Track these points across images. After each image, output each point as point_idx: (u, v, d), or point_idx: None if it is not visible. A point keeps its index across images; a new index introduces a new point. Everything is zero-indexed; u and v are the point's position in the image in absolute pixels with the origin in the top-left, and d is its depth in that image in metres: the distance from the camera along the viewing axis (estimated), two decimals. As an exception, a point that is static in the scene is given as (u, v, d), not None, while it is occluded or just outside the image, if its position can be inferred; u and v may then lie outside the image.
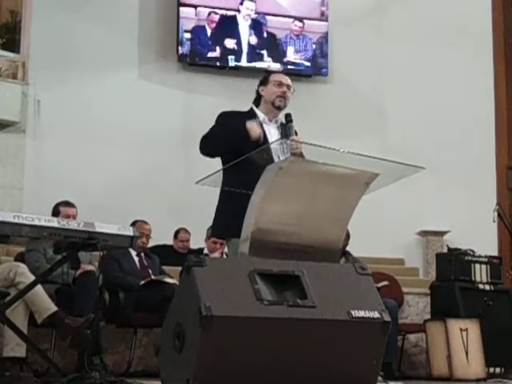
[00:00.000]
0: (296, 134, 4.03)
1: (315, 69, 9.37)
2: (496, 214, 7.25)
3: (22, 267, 4.66)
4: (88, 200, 6.93)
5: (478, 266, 6.43)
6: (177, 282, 5.39)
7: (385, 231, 8.63)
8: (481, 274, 6.42)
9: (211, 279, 3.03)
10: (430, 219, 9.04)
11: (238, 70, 9.03)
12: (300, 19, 9.38)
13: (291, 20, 9.37)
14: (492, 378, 5.94)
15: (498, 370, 6.12)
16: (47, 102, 8.31)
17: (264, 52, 9.21)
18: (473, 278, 6.39)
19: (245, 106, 4.25)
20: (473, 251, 6.51)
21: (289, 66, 9.18)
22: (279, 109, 4.18)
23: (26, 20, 8.55)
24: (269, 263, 3.21)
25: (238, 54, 9.11)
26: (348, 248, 6.27)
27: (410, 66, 9.31)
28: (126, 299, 5.63)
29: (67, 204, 5.52)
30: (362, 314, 3.13)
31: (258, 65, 9.08)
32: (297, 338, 3.04)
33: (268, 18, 9.30)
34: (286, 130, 4.05)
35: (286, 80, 4.23)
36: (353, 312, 3.12)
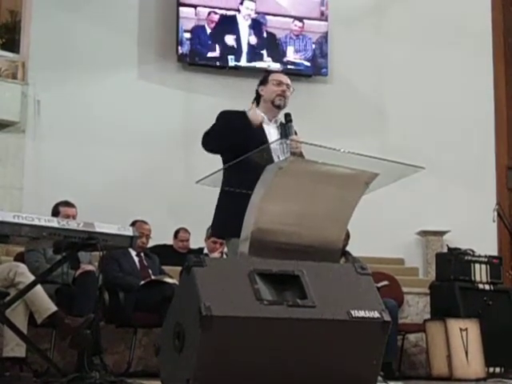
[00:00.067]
0: (296, 133, 4.03)
1: (315, 69, 9.37)
2: (496, 213, 7.26)
3: (22, 267, 4.66)
4: (88, 200, 6.93)
5: (477, 265, 6.43)
6: (177, 282, 5.39)
7: (385, 231, 8.63)
8: (480, 273, 6.42)
9: (211, 279, 3.03)
10: (430, 219, 9.04)
11: (237, 70, 9.04)
12: (300, 19, 9.38)
13: (291, 20, 9.37)
14: (492, 378, 5.94)
15: (497, 369, 6.12)
16: (47, 102, 8.31)
17: (264, 52, 9.22)
18: (473, 278, 6.39)
19: (244, 105, 4.25)
20: (472, 251, 6.51)
21: (288, 66, 9.18)
22: (279, 108, 4.18)
23: (25, 20, 8.55)
24: (269, 263, 3.21)
25: (237, 53, 9.11)
26: (348, 248, 6.27)
27: (409, 66, 9.31)
28: (126, 299, 5.63)
29: (67, 204, 5.52)
30: (361, 313, 3.13)
31: (257, 65, 9.09)
32: (297, 338, 3.04)
33: (268, 17, 9.30)
34: (285, 129, 4.05)
35: (286, 79, 4.23)
36: (353, 312, 3.12)
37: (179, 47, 8.94)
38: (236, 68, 9.07)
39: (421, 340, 6.69)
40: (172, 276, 5.90)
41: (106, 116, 8.45)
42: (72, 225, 3.82)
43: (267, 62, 9.16)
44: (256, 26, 9.23)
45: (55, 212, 5.41)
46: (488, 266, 6.48)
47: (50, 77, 8.28)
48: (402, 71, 9.30)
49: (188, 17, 9.01)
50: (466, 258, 6.42)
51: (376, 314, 3.15)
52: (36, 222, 3.69)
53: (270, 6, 9.35)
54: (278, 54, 9.28)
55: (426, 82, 9.25)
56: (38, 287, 4.52)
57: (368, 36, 9.38)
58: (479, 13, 9.58)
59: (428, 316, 6.53)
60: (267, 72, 4.40)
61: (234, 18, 9.17)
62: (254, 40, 9.20)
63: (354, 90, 9.28)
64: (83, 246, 3.88)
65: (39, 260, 5.17)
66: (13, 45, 8.67)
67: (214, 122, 4.18)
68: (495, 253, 8.18)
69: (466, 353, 5.93)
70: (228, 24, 9.14)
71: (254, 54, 9.17)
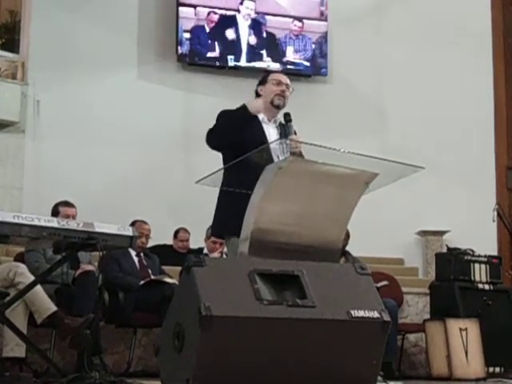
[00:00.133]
0: (295, 133, 4.02)
1: (314, 69, 9.38)
2: (495, 213, 7.26)
3: (22, 267, 4.66)
4: (87, 200, 6.93)
5: (477, 265, 6.43)
6: (176, 282, 5.39)
7: (384, 231, 8.63)
8: (480, 273, 6.42)
9: (211, 279, 3.03)
10: (430, 219, 9.05)
11: (237, 70, 9.04)
12: (299, 19, 9.38)
13: (291, 20, 9.37)
14: (491, 378, 5.94)
15: (497, 369, 6.12)
16: (47, 102, 8.31)
17: (263, 52, 9.22)
18: (472, 278, 6.39)
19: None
20: (472, 251, 6.51)
21: (288, 66, 9.18)
22: (278, 107, 4.18)
23: (25, 20, 8.55)
24: (268, 263, 3.21)
25: (237, 53, 9.11)
26: (348, 248, 6.27)
27: (409, 66, 9.31)
28: (126, 299, 5.63)
29: (67, 204, 5.52)
30: (361, 313, 3.13)
31: (257, 65, 9.09)
32: (296, 338, 3.04)
33: (267, 17, 9.31)
34: (285, 129, 4.05)
35: (285, 79, 4.23)
36: (352, 312, 3.12)
37: (179, 47, 8.94)
38: (236, 68, 9.08)
39: (420, 340, 6.70)
40: (172, 276, 5.90)
41: (106, 116, 8.46)
42: (72, 225, 3.82)
43: (267, 62, 9.16)
44: (256, 25, 9.24)
45: (55, 212, 5.41)
46: (488, 266, 6.48)
47: (49, 77, 8.29)
48: (402, 71, 9.30)
49: (188, 17, 9.02)
50: (465, 257, 6.42)
51: (376, 314, 3.16)
52: (36, 222, 3.69)
53: (269, 6, 9.35)
54: (277, 54, 9.28)
55: (426, 82, 9.25)
56: (38, 287, 4.52)
57: (368, 36, 9.38)
58: (479, 13, 9.58)
59: (428, 316, 6.53)
60: (267, 72, 4.41)
61: (233, 17, 9.17)
62: (253, 40, 9.20)
63: (353, 90, 9.28)
64: (83, 246, 3.88)
65: (39, 260, 5.17)
66: (12, 45, 8.67)
67: (213, 121, 4.18)
68: (495, 253, 8.17)
69: (466, 353, 5.94)
70: (227, 24, 9.14)
71: (254, 54, 9.17)
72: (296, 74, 8.99)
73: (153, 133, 8.51)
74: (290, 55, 9.31)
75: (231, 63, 9.08)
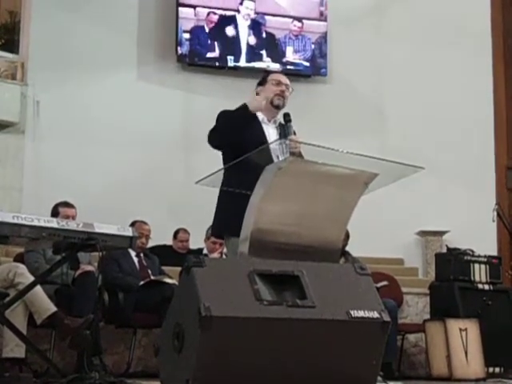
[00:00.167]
0: (295, 133, 4.02)
1: (314, 69, 9.38)
2: (495, 213, 7.26)
3: (22, 268, 4.66)
4: (87, 201, 6.93)
5: (477, 265, 6.43)
6: (176, 283, 5.39)
7: (384, 231, 8.63)
8: (480, 273, 6.42)
9: (211, 280, 3.03)
10: (430, 219, 9.04)
11: (237, 70, 9.04)
12: (299, 19, 9.38)
13: (290, 20, 9.37)
14: (491, 378, 5.94)
15: (497, 369, 6.12)
16: (46, 103, 8.31)
17: (263, 52, 9.22)
18: (472, 278, 6.39)
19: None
20: (472, 251, 6.51)
21: (288, 66, 9.18)
22: (278, 108, 4.18)
23: (25, 21, 8.55)
24: (268, 263, 3.21)
25: (237, 54, 9.11)
26: (347, 248, 6.27)
27: (409, 66, 9.31)
28: (126, 300, 5.63)
29: (66, 205, 5.52)
30: (361, 314, 3.13)
31: (257, 65, 9.09)
32: (296, 339, 3.04)
33: (267, 18, 9.31)
34: (284, 129, 4.05)
35: (285, 79, 4.24)
36: (352, 312, 3.11)
37: (178, 48, 8.94)
38: (235, 68, 9.08)
39: (420, 340, 6.69)
40: (171, 276, 5.90)
41: (106, 116, 8.45)
42: (71, 225, 3.83)
43: (266, 63, 9.16)
44: (255, 26, 9.24)
45: (55, 213, 5.41)
46: (487, 266, 6.47)
47: (49, 77, 8.28)
48: (402, 71, 9.30)
49: (187, 17, 9.02)
50: (465, 258, 6.42)
51: (375, 315, 3.15)
52: (35, 223, 3.69)
53: (269, 7, 9.36)
54: (277, 54, 9.28)
55: (426, 82, 9.25)
56: (38, 288, 4.52)
57: (367, 36, 9.38)
58: (479, 13, 9.58)
59: (427, 316, 6.53)
60: (266, 72, 4.41)
61: (233, 18, 9.17)
62: (253, 40, 9.20)
63: (353, 90, 9.28)
64: (83, 247, 3.89)
65: (39, 261, 5.18)
66: (12, 45, 8.67)
67: (213, 122, 4.18)
68: (495, 253, 8.17)
69: (466, 353, 5.93)
70: (227, 24, 9.14)
71: (254, 54, 9.18)
72: (295, 74, 8.99)
73: (152, 133, 8.51)
74: (290, 55, 9.31)
75: (231, 63, 9.08)
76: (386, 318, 3.17)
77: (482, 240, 7.87)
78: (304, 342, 3.05)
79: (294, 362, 3.06)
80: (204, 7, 9.10)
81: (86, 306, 4.83)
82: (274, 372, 3.04)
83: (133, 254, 6.02)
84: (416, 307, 6.98)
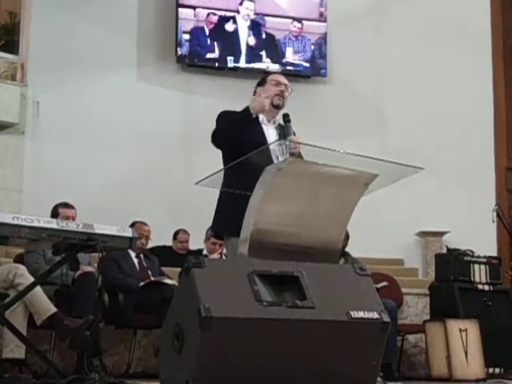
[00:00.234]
0: (294, 134, 4.03)
1: (314, 70, 9.38)
2: (495, 214, 7.26)
3: (22, 268, 4.66)
4: (87, 201, 6.94)
5: (477, 266, 6.43)
6: (176, 283, 5.39)
7: (384, 232, 8.63)
8: (480, 274, 6.42)
9: (210, 280, 3.03)
10: (430, 220, 9.04)
11: (236, 71, 9.04)
12: (299, 20, 9.38)
13: (290, 21, 9.37)
14: (491, 379, 5.94)
15: (497, 370, 6.12)
16: (46, 104, 8.31)
17: (263, 53, 9.22)
18: (472, 279, 6.38)
19: (243, 106, 4.25)
20: (472, 252, 6.51)
21: (288, 67, 9.18)
22: (277, 108, 4.19)
23: (24, 21, 8.54)
24: (268, 264, 3.22)
25: (236, 54, 9.11)
26: (347, 249, 6.27)
27: (409, 66, 9.31)
28: (126, 300, 5.62)
29: (66, 205, 5.51)
30: (361, 314, 3.13)
31: (256, 66, 9.09)
32: (296, 339, 3.04)
33: (267, 18, 9.31)
34: (284, 130, 4.06)
35: (284, 80, 4.25)
36: (352, 313, 3.11)
37: (178, 48, 8.94)
38: (235, 69, 9.07)
39: (420, 341, 6.69)
40: (171, 277, 5.90)
41: (106, 117, 8.45)
42: (71, 226, 3.83)
43: (266, 63, 9.16)
44: (255, 27, 9.24)
45: (54, 213, 5.41)
46: (487, 267, 6.47)
47: (49, 78, 8.28)
48: (402, 71, 9.30)
49: (187, 18, 9.02)
50: (465, 258, 6.42)
51: (375, 315, 3.15)
52: (35, 224, 3.69)
53: (268, 7, 9.36)
54: (277, 55, 9.28)
55: (426, 83, 9.25)
56: (38, 288, 4.52)
57: (367, 37, 9.38)
58: (479, 13, 9.58)
59: (427, 317, 6.53)
60: (265, 73, 4.42)
61: (232, 19, 9.17)
62: (252, 41, 9.20)
63: (353, 91, 9.28)
64: (82, 248, 3.89)
65: (38, 261, 5.17)
66: (12, 46, 8.67)
67: (213, 122, 4.19)
68: (494, 253, 8.18)
69: (466, 353, 5.93)
70: (227, 25, 9.14)
71: (253, 55, 9.18)
72: (295, 74, 9.00)
73: (152, 134, 8.51)
74: (290, 56, 9.31)
75: (230, 64, 9.08)
76: (386, 318, 3.17)
77: (482, 241, 7.88)
78: (304, 343, 3.05)
79: (294, 363, 3.06)
80: (204, 8, 9.10)
81: (85, 306, 4.83)
82: (274, 373, 3.04)
83: (133, 254, 6.02)
84: (416, 308, 6.98)
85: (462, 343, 5.95)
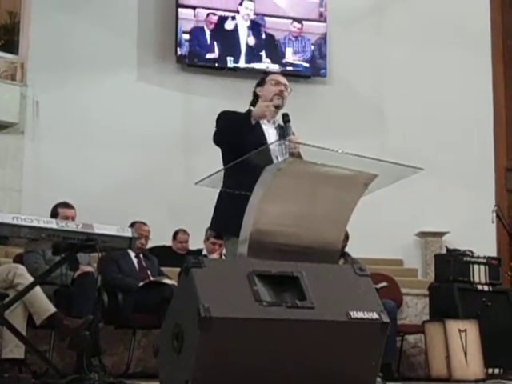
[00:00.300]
0: (293, 134, 4.02)
1: (314, 70, 9.38)
2: (495, 214, 7.26)
3: (21, 268, 4.66)
4: (87, 201, 6.92)
5: (476, 266, 6.43)
6: (175, 283, 5.38)
7: (383, 232, 8.63)
8: (479, 274, 6.42)
9: (210, 280, 3.03)
10: (429, 220, 9.05)
11: (236, 71, 9.04)
12: (298, 20, 9.38)
13: (290, 21, 9.37)
14: (491, 379, 5.94)
15: (496, 370, 6.12)
16: (46, 104, 8.31)
17: (262, 53, 9.22)
18: (471, 279, 6.38)
19: (243, 106, 4.25)
20: (471, 252, 6.51)
21: (287, 67, 9.19)
22: (277, 107, 4.18)
23: (24, 21, 8.55)
24: (267, 264, 3.22)
25: (236, 55, 9.11)
26: (347, 249, 6.27)
27: (409, 66, 9.31)
28: (125, 300, 5.62)
29: (66, 205, 5.51)
30: (360, 315, 3.13)
31: (256, 66, 9.09)
32: (296, 340, 3.04)
33: (266, 19, 9.31)
34: (283, 130, 4.05)
35: (283, 80, 4.25)
36: (352, 313, 3.12)
37: (178, 48, 8.94)
38: (235, 69, 9.07)
39: (420, 341, 6.69)
40: (171, 277, 5.90)
41: (105, 117, 8.45)
42: (71, 226, 3.83)
43: (266, 64, 9.16)
44: (255, 27, 9.24)
45: (54, 213, 5.41)
46: (487, 267, 6.47)
47: (48, 78, 8.28)
48: (401, 72, 9.30)
49: (187, 18, 9.02)
50: (464, 259, 6.42)
51: (375, 316, 3.16)
52: (35, 224, 3.69)
53: (268, 8, 9.36)
54: (276, 55, 9.28)
55: (426, 83, 9.25)
56: (37, 288, 4.52)
57: (367, 37, 9.38)
58: (479, 13, 9.58)
59: (427, 317, 6.53)
60: (265, 73, 4.42)
61: (232, 19, 9.17)
62: (252, 41, 9.21)
63: (352, 91, 9.28)
64: (82, 248, 3.89)
65: (38, 261, 5.17)
66: (12, 46, 8.67)
67: (212, 123, 4.19)
68: (494, 254, 8.18)
69: (465, 354, 5.93)
70: (227, 25, 9.14)
71: (253, 55, 9.18)
72: (295, 75, 9.00)
73: (152, 134, 8.51)
74: (289, 56, 9.31)
75: (230, 64, 9.08)
76: (386, 319, 3.17)
77: (482, 241, 7.88)
78: (303, 343, 3.05)
79: (294, 363, 3.06)
80: (203, 8, 9.10)
81: (85, 306, 4.82)
82: (274, 373, 3.04)
83: (132, 254, 6.02)
84: (415, 308, 6.98)
85: (462, 344, 5.95)
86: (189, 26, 9.02)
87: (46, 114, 8.31)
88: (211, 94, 8.70)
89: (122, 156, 8.37)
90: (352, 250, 6.36)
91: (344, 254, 6.19)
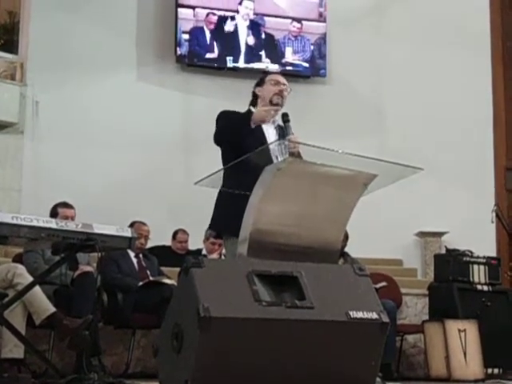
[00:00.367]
0: (293, 134, 4.02)
1: (313, 70, 9.38)
2: (494, 214, 7.27)
3: (21, 268, 4.66)
4: (86, 201, 6.92)
5: (476, 266, 6.43)
6: (175, 283, 5.38)
7: (383, 232, 8.63)
8: (479, 274, 6.42)
9: (209, 280, 3.03)
10: (429, 220, 9.04)
11: (236, 71, 9.04)
12: (298, 20, 9.38)
13: (289, 21, 9.37)
14: (490, 379, 5.94)
15: (496, 370, 6.12)
16: (45, 104, 8.30)
17: (262, 53, 9.22)
18: (471, 279, 6.39)
19: (243, 106, 4.26)
20: (471, 252, 6.51)
21: (287, 67, 9.19)
22: (276, 105, 4.18)
23: (24, 21, 8.55)
24: (267, 264, 3.21)
25: (236, 54, 9.11)
26: (346, 249, 6.27)
27: (408, 66, 9.31)
28: (125, 300, 5.62)
29: (65, 205, 5.51)
30: (360, 315, 3.13)
31: (256, 66, 9.09)
32: (295, 339, 3.04)
33: (266, 18, 9.31)
34: (283, 130, 4.06)
35: (283, 80, 4.25)
36: (351, 313, 3.11)
37: (178, 48, 8.94)
38: (234, 69, 9.07)
39: (419, 341, 6.69)
40: (170, 277, 5.90)
41: (105, 117, 8.45)
42: (70, 226, 3.83)
43: (265, 63, 9.16)
44: (254, 27, 9.24)
45: (54, 213, 5.41)
46: (486, 267, 6.47)
47: (48, 78, 8.28)
48: (401, 72, 9.30)
49: (187, 18, 9.02)
50: (464, 259, 6.42)
51: (374, 315, 3.15)
52: (34, 223, 3.69)
53: (268, 7, 9.36)
54: (276, 55, 9.28)
55: (425, 83, 9.25)
56: (37, 288, 4.52)
57: (366, 37, 9.38)
58: (478, 13, 9.58)
59: (426, 317, 6.53)
60: (264, 73, 4.42)
61: (232, 19, 9.17)
62: (252, 41, 9.21)
63: (352, 91, 9.28)
64: (82, 247, 3.89)
65: (38, 261, 5.17)
66: (11, 46, 8.67)
67: (212, 122, 4.19)
68: (494, 254, 8.18)
69: (465, 354, 5.94)
70: (226, 25, 9.14)
71: (253, 55, 9.18)
72: (295, 75, 9.00)
73: (152, 134, 8.51)
74: (289, 56, 9.31)
75: (230, 64, 9.08)
76: (385, 318, 3.17)
77: (481, 241, 7.88)
78: (303, 343, 3.05)
79: (293, 363, 3.06)
80: (203, 8, 9.10)
81: (84, 306, 4.83)
82: (273, 373, 3.04)
83: (132, 254, 6.02)
84: (415, 308, 6.98)
85: (461, 343, 5.95)
86: (188, 26, 9.02)
87: (46, 114, 8.31)
88: (211, 93, 8.70)
89: (122, 156, 8.37)
90: (351, 249, 6.36)
91: (344, 254, 6.20)
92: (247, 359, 2.99)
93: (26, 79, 8.35)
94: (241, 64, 9.11)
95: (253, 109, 4.21)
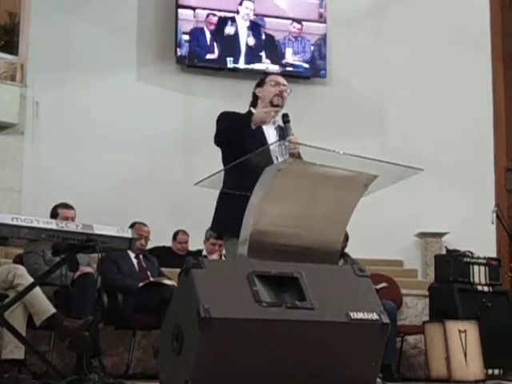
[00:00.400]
0: (293, 135, 4.02)
1: (313, 70, 9.38)
2: (494, 215, 7.26)
3: (21, 269, 4.66)
4: (87, 202, 6.92)
5: (476, 267, 6.43)
6: (175, 284, 5.38)
7: (383, 233, 8.63)
8: (479, 275, 6.42)
9: (210, 281, 3.03)
10: (429, 221, 9.04)
11: (236, 72, 9.04)
12: (298, 21, 9.38)
13: (289, 22, 9.37)
14: (491, 380, 5.94)
15: (496, 371, 6.12)
16: (46, 104, 8.31)
17: (262, 54, 9.22)
18: (471, 280, 6.38)
19: (243, 107, 4.26)
20: (471, 253, 6.51)
21: (287, 68, 9.19)
22: (277, 106, 4.18)
23: (24, 22, 8.55)
24: (267, 265, 3.21)
25: (236, 55, 9.11)
26: (347, 250, 6.27)
27: (409, 66, 9.31)
28: (125, 301, 5.62)
29: (66, 206, 5.51)
30: (360, 315, 3.13)
31: (256, 66, 9.09)
32: (295, 340, 3.04)
33: (266, 19, 9.31)
34: (283, 131, 4.06)
35: (283, 80, 4.26)
36: (351, 314, 3.11)
37: (178, 49, 8.94)
38: (234, 70, 9.07)
39: (420, 342, 6.69)
40: (171, 278, 5.90)
41: (105, 118, 8.45)
42: (71, 227, 3.82)
43: (266, 64, 9.16)
44: (254, 27, 9.24)
45: (54, 214, 5.41)
46: (487, 268, 6.47)
47: (48, 79, 8.28)
48: (401, 72, 9.30)
49: (187, 19, 9.02)
50: (464, 259, 6.42)
51: (375, 316, 3.15)
52: (35, 224, 3.69)
53: (268, 8, 9.36)
54: (276, 55, 9.28)
55: (426, 83, 9.25)
56: (37, 289, 4.52)
57: (367, 37, 9.38)
58: (478, 13, 9.59)
59: (427, 318, 6.53)
60: (265, 74, 4.42)
61: (232, 19, 9.17)
62: (252, 42, 9.21)
63: (352, 92, 9.28)
64: (82, 248, 3.88)
65: (38, 262, 5.17)
66: (11, 47, 8.67)
67: (212, 123, 4.19)
68: (494, 254, 8.18)
69: (465, 354, 5.93)
70: (226, 26, 9.14)
71: (253, 55, 9.18)
72: (295, 75, 9.00)
73: (152, 134, 8.51)
74: (289, 57, 9.31)
75: (230, 65, 9.08)
76: (386, 319, 3.17)
77: (482, 242, 7.88)
78: (303, 344, 3.05)
79: (294, 364, 3.06)
80: (203, 9, 9.10)
81: (85, 307, 4.83)
82: (274, 373, 3.04)
83: (132, 255, 6.02)
84: (415, 309, 6.98)
85: (462, 344, 5.94)
86: (188, 27, 9.02)
87: (46, 115, 8.31)
88: (211, 94, 8.70)
89: (122, 156, 8.37)
90: (352, 250, 6.36)
91: (344, 255, 6.20)
92: (247, 360, 2.99)
93: (26, 80, 8.36)
94: (241, 65, 9.11)
95: (253, 110, 4.21)
